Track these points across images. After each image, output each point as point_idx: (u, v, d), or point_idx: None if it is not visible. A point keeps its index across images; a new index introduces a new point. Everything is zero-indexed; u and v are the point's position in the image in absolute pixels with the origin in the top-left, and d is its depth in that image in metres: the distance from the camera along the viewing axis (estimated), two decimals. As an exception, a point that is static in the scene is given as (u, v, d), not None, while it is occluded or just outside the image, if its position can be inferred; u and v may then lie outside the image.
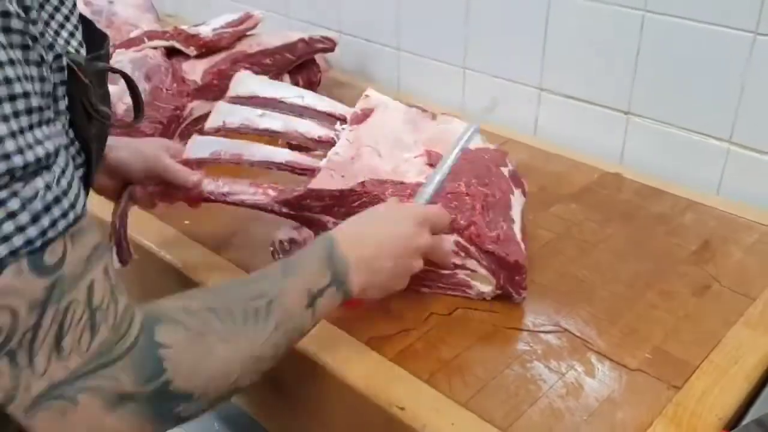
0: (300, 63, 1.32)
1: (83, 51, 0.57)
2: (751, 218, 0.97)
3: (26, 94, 0.45)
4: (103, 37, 0.63)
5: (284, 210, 0.82)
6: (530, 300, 0.82)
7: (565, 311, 0.80)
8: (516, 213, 0.86)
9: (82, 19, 0.59)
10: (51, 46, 0.51)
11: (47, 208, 0.46)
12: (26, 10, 0.46)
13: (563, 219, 0.97)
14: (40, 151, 0.45)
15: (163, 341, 0.52)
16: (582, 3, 1.10)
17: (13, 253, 0.44)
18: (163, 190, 0.85)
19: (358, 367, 0.72)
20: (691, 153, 1.07)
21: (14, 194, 0.44)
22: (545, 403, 0.68)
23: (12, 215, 0.44)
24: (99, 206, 1.00)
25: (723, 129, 1.03)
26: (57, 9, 0.54)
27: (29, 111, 0.45)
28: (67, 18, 0.55)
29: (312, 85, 1.37)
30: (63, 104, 0.53)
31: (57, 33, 0.54)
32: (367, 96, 0.96)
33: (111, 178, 0.84)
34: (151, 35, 1.21)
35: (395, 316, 0.79)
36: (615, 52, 1.10)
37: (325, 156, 0.87)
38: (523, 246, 0.81)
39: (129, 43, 1.21)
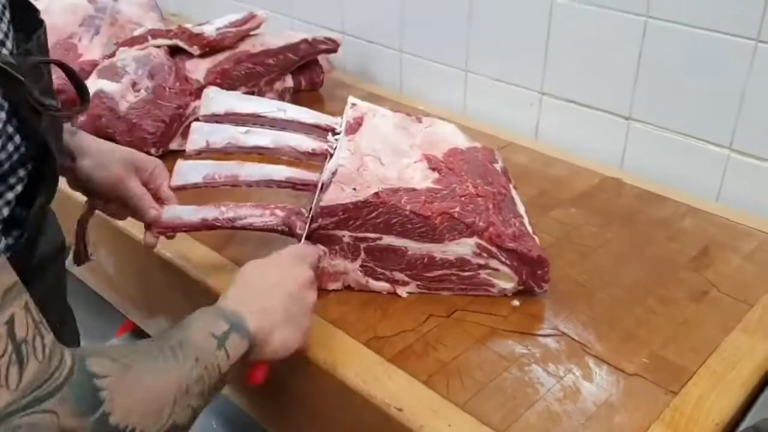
0: (303, 64, 1.33)
1: (8, 43, 0.53)
2: (751, 225, 0.97)
3: None
4: (36, 22, 0.59)
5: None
6: (529, 303, 0.82)
7: (564, 315, 0.80)
8: (521, 208, 0.87)
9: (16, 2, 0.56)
10: None
11: None
12: None
13: (563, 223, 0.97)
14: None
15: (96, 371, 0.51)
16: (584, 8, 1.11)
17: None
18: (124, 212, 0.83)
19: (357, 367, 0.73)
20: (691, 159, 1.07)
21: None
22: (543, 406, 0.69)
23: None
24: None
25: (723, 135, 1.03)
26: None
27: None
28: None
29: (314, 86, 1.38)
30: None
31: None
32: (353, 105, 0.95)
33: (74, 186, 0.81)
34: (154, 34, 1.22)
35: (394, 317, 0.80)
36: (617, 57, 1.10)
37: (322, 169, 0.87)
38: (537, 239, 0.82)
39: (132, 42, 1.22)
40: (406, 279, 0.82)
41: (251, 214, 0.82)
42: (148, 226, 0.82)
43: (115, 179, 0.79)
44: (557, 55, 1.18)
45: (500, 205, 0.83)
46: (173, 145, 1.13)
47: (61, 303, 0.79)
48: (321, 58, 1.38)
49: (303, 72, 1.35)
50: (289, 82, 1.32)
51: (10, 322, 0.47)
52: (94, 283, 1.12)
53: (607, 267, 0.88)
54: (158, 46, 1.20)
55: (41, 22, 0.60)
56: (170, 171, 0.86)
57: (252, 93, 1.24)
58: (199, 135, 0.88)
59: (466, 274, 0.81)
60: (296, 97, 1.32)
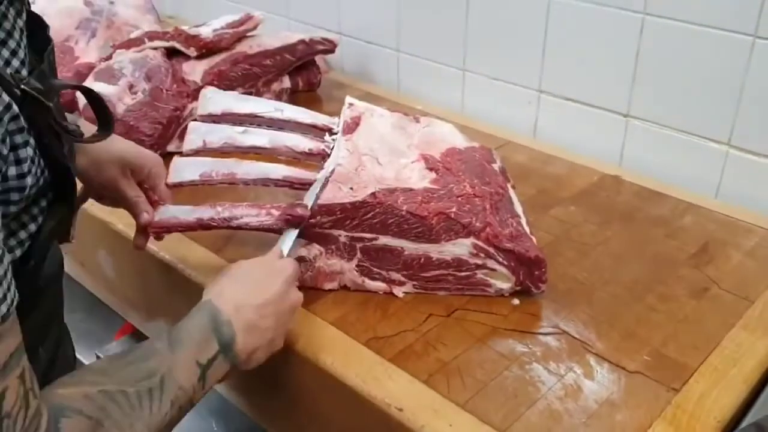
0: (300, 64, 1.32)
1: (24, 71, 0.53)
2: (750, 221, 0.97)
3: None
4: (46, 41, 0.60)
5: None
6: (529, 302, 0.82)
7: (564, 313, 0.80)
8: (518, 208, 0.87)
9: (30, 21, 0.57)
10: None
11: None
12: None
13: (562, 221, 0.97)
14: None
15: None
16: (582, 5, 1.11)
17: None
18: (118, 206, 0.83)
19: (357, 367, 0.72)
20: (690, 156, 1.07)
21: None
22: (544, 405, 0.68)
23: None
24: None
25: (722, 132, 1.03)
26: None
27: None
28: (9, 35, 0.52)
29: (312, 87, 1.37)
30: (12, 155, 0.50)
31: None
32: (351, 104, 0.95)
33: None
34: (151, 36, 1.22)
35: (394, 317, 0.79)
36: (614, 54, 1.10)
37: (319, 168, 0.87)
38: (534, 240, 0.82)
39: (129, 44, 1.21)
40: (403, 279, 0.82)
41: (247, 214, 0.82)
42: (140, 228, 0.81)
43: (108, 180, 0.79)
44: (555, 53, 1.18)
45: (497, 205, 0.83)
46: (171, 147, 1.13)
47: (59, 322, 0.78)
48: (318, 58, 1.38)
49: (300, 73, 1.34)
50: (286, 82, 1.31)
51: (2, 396, 0.47)
52: (92, 285, 1.12)
53: (607, 265, 0.88)
54: (155, 48, 1.20)
55: (50, 40, 0.60)
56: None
57: (249, 94, 1.23)
58: (196, 135, 0.88)
59: (463, 274, 0.81)
60: (294, 97, 1.32)
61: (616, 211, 1.00)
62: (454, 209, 0.80)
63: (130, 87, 1.15)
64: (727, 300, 0.82)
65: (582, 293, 0.83)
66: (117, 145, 0.80)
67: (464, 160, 0.89)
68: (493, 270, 0.81)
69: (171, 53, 1.20)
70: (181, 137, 1.11)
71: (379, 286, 0.83)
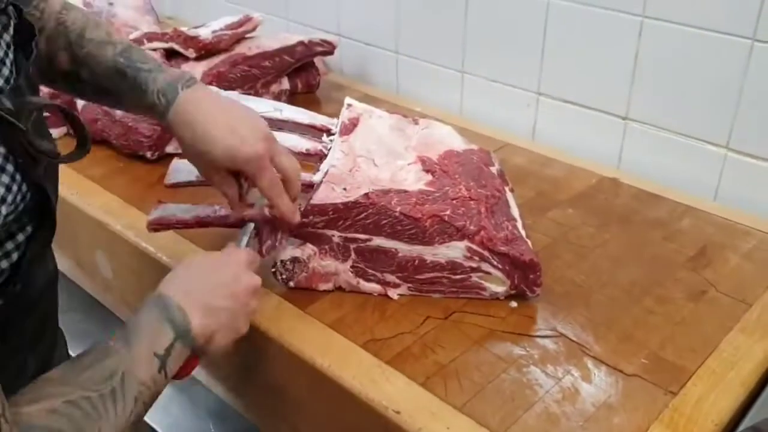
0: (299, 66, 1.32)
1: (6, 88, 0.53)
2: (748, 224, 0.97)
3: None
4: (31, 50, 0.59)
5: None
6: (527, 305, 0.82)
7: (562, 316, 0.80)
8: (515, 211, 0.87)
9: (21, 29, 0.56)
10: None
11: None
12: None
13: (560, 224, 0.97)
14: None
15: None
16: (580, 8, 1.11)
17: None
18: None
19: (354, 369, 0.72)
20: (688, 159, 1.07)
21: None
22: (541, 408, 0.68)
23: None
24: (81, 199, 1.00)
25: (720, 135, 1.03)
26: None
27: None
28: None
29: (311, 88, 1.37)
30: None
31: None
32: (349, 105, 0.95)
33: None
34: (150, 37, 1.22)
35: (392, 319, 0.79)
36: (613, 57, 1.10)
37: (316, 169, 0.87)
38: (529, 243, 0.82)
39: (128, 45, 1.21)
40: (397, 281, 0.82)
41: (244, 213, 0.82)
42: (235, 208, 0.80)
43: (204, 172, 0.78)
44: (554, 56, 1.18)
45: (493, 208, 0.83)
46: (169, 148, 1.13)
47: (53, 327, 0.78)
48: (317, 60, 1.38)
49: (299, 74, 1.34)
50: (285, 84, 1.32)
51: None
52: (89, 286, 1.11)
53: (605, 267, 0.88)
54: (154, 50, 1.20)
55: (33, 51, 0.60)
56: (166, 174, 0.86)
57: (248, 95, 1.23)
58: None
59: (458, 277, 0.81)
60: (293, 99, 1.32)
61: (614, 213, 1.00)
62: (448, 212, 0.79)
63: (129, 88, 1.15)
64: (725, 303, 0.82)
65: (580, 296, 0.83)
66: (217, 150, 0.74)
67: (461, 163, 0.89)
68: (488, 273, 0.81)
69: (170, 54, 1.20)
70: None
71: (373, 287, 0.83)
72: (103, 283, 1.06)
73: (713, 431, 0.66)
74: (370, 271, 0.82)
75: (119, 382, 0.58)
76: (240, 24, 1.28)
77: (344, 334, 0.77)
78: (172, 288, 0.66)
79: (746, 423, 0.68)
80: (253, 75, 1.24)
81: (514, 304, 0.82)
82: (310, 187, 0.83)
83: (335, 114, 0.96)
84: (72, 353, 0.86)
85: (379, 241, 0.80)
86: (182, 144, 0.76)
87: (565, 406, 0.68)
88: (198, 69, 1.18)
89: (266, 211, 0.79)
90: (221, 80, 1.19)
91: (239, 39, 1.26)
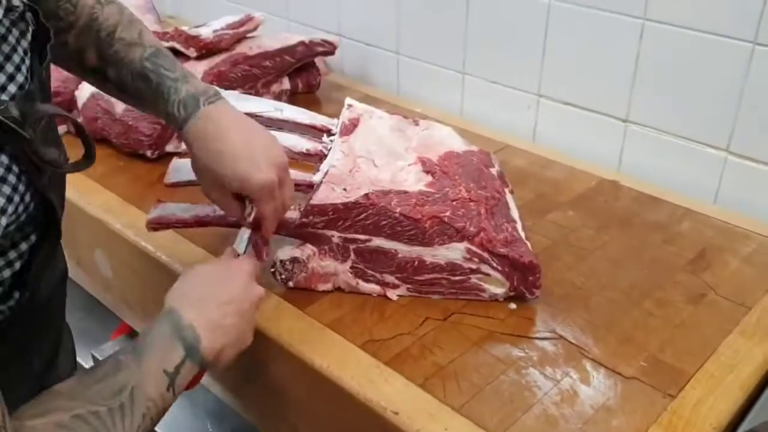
0: (300, 66, 1.32)
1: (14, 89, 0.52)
2: (748, 228, 0.97)
3: None
4: (44, 56, 0.58)
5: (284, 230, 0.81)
6: (526, 306, 0.82)
7: (561, 318, 0.80)
8: (515, 213, 0.87)
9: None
10: None
11: None
12: None
13: (560, 226, 0.97)
14: None
15: None
16: (581, 10, 1.11)
17: None
18: None
19: (353, 370, 0.72)
20: (688, 161, 1.07)
21: None
22: (540, 409, 0.68)
23: None
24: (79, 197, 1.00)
25: (721, 138, 1.03)
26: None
27: None
28: (7, 58, 0.52)
29: (311, 88, 1.37)
30: None
31: None
32: (350, 106, 0.95)
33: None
34: (151, 36, 1.21)
35: (390, 320, 0.79)
36: (614, 59, 1.10)
37: (316, 169, 0.87)
38: (529, 245, 0.82)
39: (129, 44, 1.21)
40: (397, 282, 0.82)
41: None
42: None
43: (206, 188, 0.76)
44: (554, 58, 1.17)
45: (493, 210, 0.83)
46: (169, 147, 1.13)
47: (60, 323, 0.78)
48: (318, 60, 1.38)
49: (300, 74, 1.34)
50: (285, 84, 1.31)
51: None
52: (89, 285, 1.11)
53: (605, 270, 0.88)
54: (154, 48, 1.19)
55: (47, 55, 0.60)
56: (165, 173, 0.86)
57: (249, 95, 1.23)
58: None
59: (457, 278, 0.81)
60: (293, 99, 1.32)
61: (614, 216, 1.00)
62: (448, 213, 0.79)
63: (129, 87, 1.15)
64: (724, 306, 0.82)
65: (579, 298, 0.83)
66: (229, 175, 0.72)
67: (462, 164, 0.89)
68: (487, 275, 0.81)
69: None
70: (180, 137, 1.11)
71: (373, 288, 0.83)
72: (102, 281, 1.06)
73: (712, 434, 0.66)
74: (369, 271, 0.82)
75: (128, 397, 0.57)
76: (241, 24, 1.27)
77: (343, 334, 0.77)
78: (184, 303, 0.66)
79: (745, 426, 0.68)
80: (254, 75, 1.24)
81: (513, 305, 0.82)
82: (310, 187, 0.83)
83: (336, 114, 0.96)
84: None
85: (378, 242, 0.80)
86: (194, 159, 0.75)
87: (563, 408, 0.68)
88: (199, 68, 1.18)
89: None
90: (222, 80, 1.19)
91: (240, 38, 1.26)
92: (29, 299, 0.61)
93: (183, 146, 0.88)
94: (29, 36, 0.56)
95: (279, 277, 0.82)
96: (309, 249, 0.81)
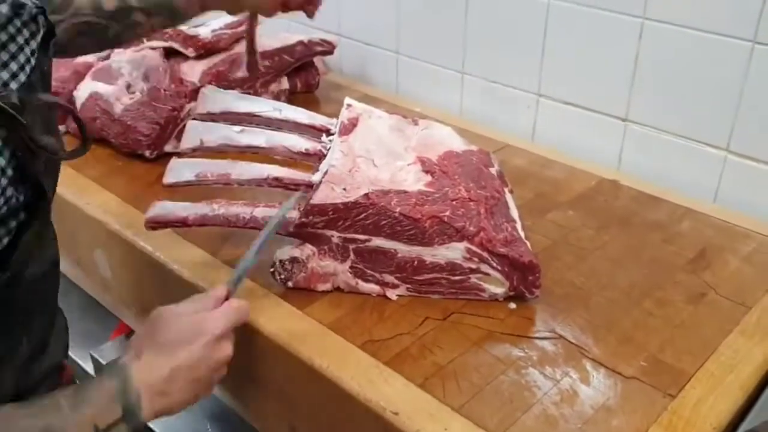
0: (298, 65, 1.32)
1: (22, 76, 0.53)
2: (748, 227, 0.97)
3: None
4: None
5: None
6: (526, 306, 0.81)
7: (561, 318, 0.80)
8: (514, 212, 0.86)
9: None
10: None
11: None
12: None
13: (560, 225, 0.97)
14: None
15: None
16: (581, 9, 1.11)
17: None
18: None
19: (353, 370, 0.72)
20: (688, 161, 1.07)
21: None
22: (539, 409, 0.68)
23: None
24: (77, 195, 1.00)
25: (720, 137, 1.03)
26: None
27: None
28: (12, 57, 0.53)
29: (310, 88, 1.37)
30: None
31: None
32: (349, 105, 0.95)
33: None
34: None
35: (390, 320, 0.79)
36: (613, 58, 1.10)
37: (315, 169, 0.87)
38: (529, 245, 0.81)
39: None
40: (396, 282, 0.82)
41: (242, 212, 0.82)
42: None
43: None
44: (554, 57, 1.17)
45: (492, 209, 0.83)
46: (168, 147, 1.12)
47: (51, 311, 0.78)
48: (317, 59, 1.37)
49: (299, 74, 1.34)
50: (284, 84, 1.31)
51: None
52: (88, 286, 1.11)
53: (604, 269, 0.88)
54: (153, 48, 1.19)
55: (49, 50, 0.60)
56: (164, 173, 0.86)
57: (248, 94, 1.23)
58: (194, 133, 0.88)
59: (457, 278, 0.81)
60: (292, 99, 1.32)
61: (614, 215, 0.99)
62: (447, 213, 0.79)
63: (128, 87, 1.15)
64: (725, 306, 0.82)
65: (579, 298, 0.83)
66: None
67: (461, 164, 0.88)
68: (487, 275, 0.80)
69: (169, 53, 1.20)
70: (179, 137, 1.11)
71: (372, 288, 0.82)
72: (101, 281, 1.06)
73: (712, 434, 0.66)
74: (368, 271, 0.82)
75: None
76: (240, 23, 1.27)
77: (342, 334, 0.77)
78: (140, 355, 0.65)
79: (745, 426, 0.68)
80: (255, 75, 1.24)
81: (513, 305, 0.81)
82: (309, 187, 0.83)
83: (335, 114, 0.95)
84: (71, 352, 0.85)
85: (378, 242, 0.80)
86: None
87: (563, 408, 0.68)
88: (197, 68, 1.18)
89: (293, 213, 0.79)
90: (220, 79, 1.19)
91: (239, 38, 1.26)
92: (14, 277, 0.60)
93: (182, 146, 0.88)
94: (39, 38, 0.57)
95: (278, 277, 0.82)
96: (308, 249, 0.81)
